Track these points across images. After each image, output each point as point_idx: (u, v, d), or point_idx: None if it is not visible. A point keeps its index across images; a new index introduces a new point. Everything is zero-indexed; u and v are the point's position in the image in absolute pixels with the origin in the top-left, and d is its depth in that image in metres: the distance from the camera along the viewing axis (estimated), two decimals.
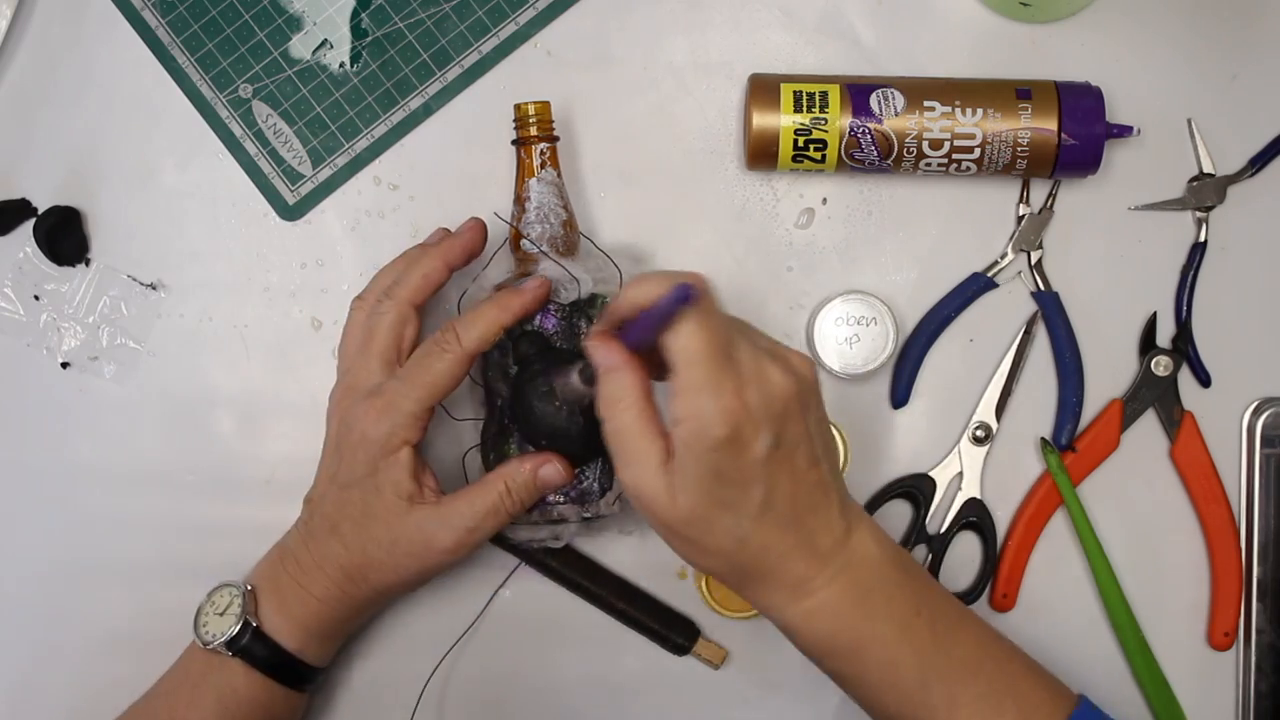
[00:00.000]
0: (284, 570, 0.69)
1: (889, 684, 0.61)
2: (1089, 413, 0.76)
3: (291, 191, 0.78)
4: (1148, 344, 0.76)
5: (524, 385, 0.68)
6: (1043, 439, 0.76)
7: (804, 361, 0.60)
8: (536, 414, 0.67)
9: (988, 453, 0.76)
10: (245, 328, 0.77)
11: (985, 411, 0.76)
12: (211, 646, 0.67)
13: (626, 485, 0.58)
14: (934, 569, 0.76)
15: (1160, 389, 0.76)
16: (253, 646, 0.67)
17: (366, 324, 0.69)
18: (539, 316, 0.70)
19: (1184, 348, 0.76)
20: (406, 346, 0.69)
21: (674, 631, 0.75)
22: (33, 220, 0.77)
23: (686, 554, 0.60)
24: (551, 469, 0.68)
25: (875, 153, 0.73)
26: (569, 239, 0.72)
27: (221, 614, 0.68)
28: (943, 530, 0.76)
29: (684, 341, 0.56)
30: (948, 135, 0.72)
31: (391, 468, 0.67)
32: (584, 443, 0.67)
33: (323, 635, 0.69)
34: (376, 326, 0.69)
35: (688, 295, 0.54)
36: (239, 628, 0.67)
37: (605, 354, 0.59)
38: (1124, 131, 0.74)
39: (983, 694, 0.61)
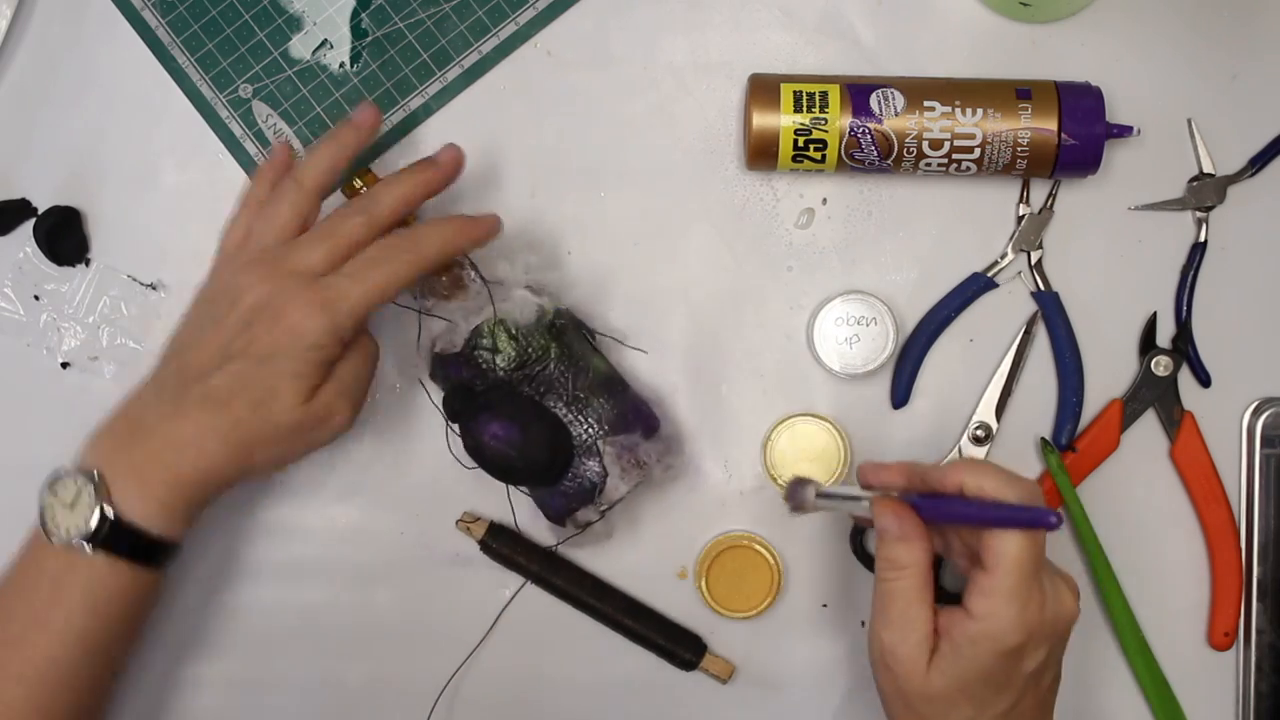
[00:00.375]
0: (141, 446, 0.63)
1: None
2: (1089, 413, 0.76)
3: None
4: (1148, 344, 0.76)
5: (468, 438, 0.70)
6: (1043, 439, 0.76)
7: (1076, 586, 0.64)
8: (490, 460, 0.70)
9: (988, 453, 0.76)
10: None
11: (985, 411, 0.76)
12: (66, 543, 0.61)
13: (880, 643, 0.61)
14: (935, 568, 0.76)
15: (1160, 389, 0.76)
16: (114, 538, 0.61)
17: (297, 204, 0.67)
18: (451, 369, 0.70)
19: (1184, 348, 0.76)
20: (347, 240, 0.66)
21: (681, 647, 0.75)
22: (33, 220, 0.77)
23: None
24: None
25: (875, 153, 0.73)
26: (453, 278, 0.71)
27: (71, 507, 0.62)
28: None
29: (1013, 548, 0.59)
30: (948, 135, 0.72)
31: (308, 369, 0.63)
32: (545, 466, 0.70)
33: (189, 512, 0.64)
34: (327, 216, 0.67)
35: (1054, 525, 0.58)
36: (96, 520, 0.61)
37: (900, 525, 0.61)
38: (1124, 131, 0.74)
39: None
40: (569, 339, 0.72)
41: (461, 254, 0.69)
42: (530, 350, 0.70)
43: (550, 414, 0.70)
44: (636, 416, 0.72)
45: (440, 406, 0.72)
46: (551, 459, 0.69)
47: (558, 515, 0.71)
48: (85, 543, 0.61)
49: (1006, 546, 0.59)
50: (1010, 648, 0.59)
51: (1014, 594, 0.59)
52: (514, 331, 0.70)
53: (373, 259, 0.65)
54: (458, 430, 0.71)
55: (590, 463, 0.70)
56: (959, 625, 0.59)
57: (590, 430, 0.70)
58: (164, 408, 0.64)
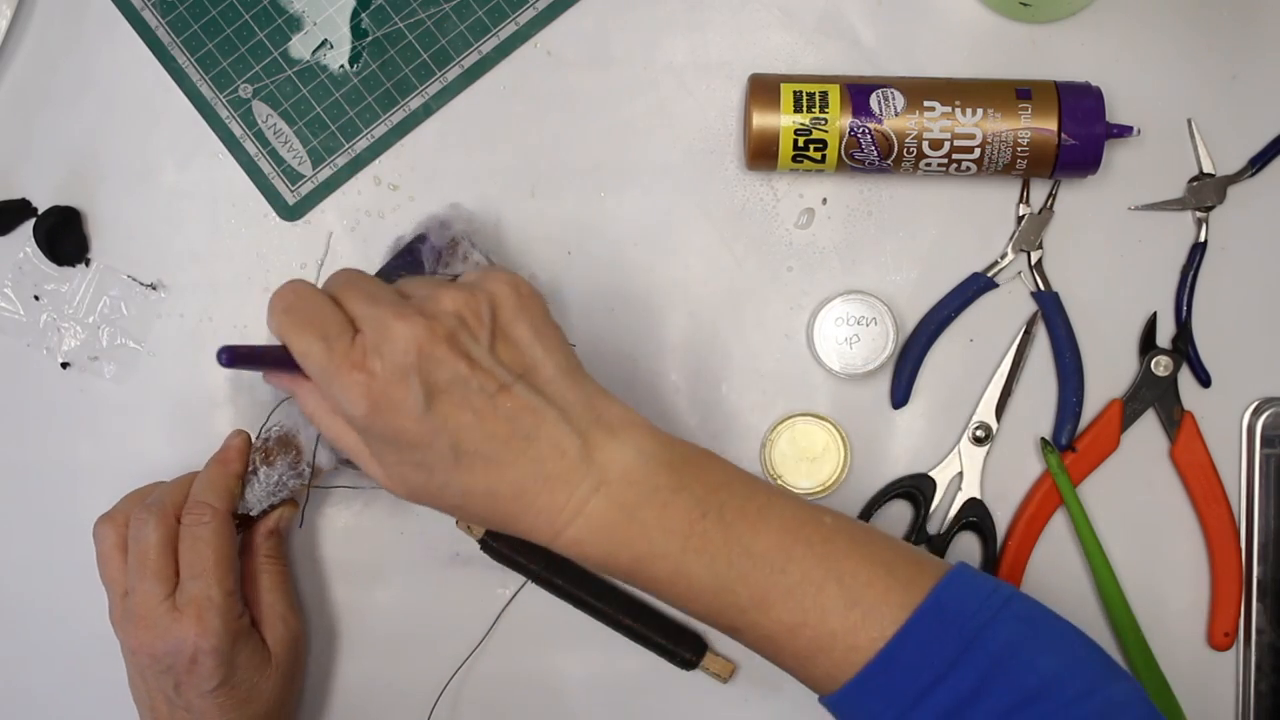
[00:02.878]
0: None
1: (687, 594, 0.57)
2: (1089, 413, 0.76)
3: (291, 191, 0.78)
4: (1148, 344, 0.76)
5: None
6: (1043, 439, 0.76)
7: (452, 294, 0.56)
8: None
9: (988, 453, 0.76)
10: (245, 328, 0.77)
11: (985, 411, 0.76)
12: None
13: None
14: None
15: (1160, 389, 0.76)
16: None
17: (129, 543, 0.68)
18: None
19: (1184, 348, 0.76)
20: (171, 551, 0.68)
21: (681, 647, 0.75)
22: (33, 220, 0.77)
23: (441, 511, 0.60)
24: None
25: (875, 153, 0.73)
26: (278, 446, 0.71)
27: None
28: (943, 530, 0.76)
29: (283, 338, 0.57)
30: (948, 135, 0.72)
31: (243, 652, 0.67)
32: None
33: None
34: (145, 542, 0.68)
35: (225, 359, 0.58)
36: None
37: (276, 383, 0.62)
38: (1124, 131, 0.74)
39: (796, 584, 0.56)
40: None
41: (237, 479, 0.70)
42: None
43: None
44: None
45: None
46: None
47: None
48: None
49: (282, 336, 0.58)
50: (364, 415, 0.55)
51: (319, 375, 0.56)
52: None
53: (192, 548, 0.67)
54: None
55: None
56: (335, 430, 0.59)
57: None
58: None
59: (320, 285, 0.59)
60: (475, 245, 0.71)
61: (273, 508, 0.71)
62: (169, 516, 0.68)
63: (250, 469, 0.71)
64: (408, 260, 0.71)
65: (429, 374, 0.55)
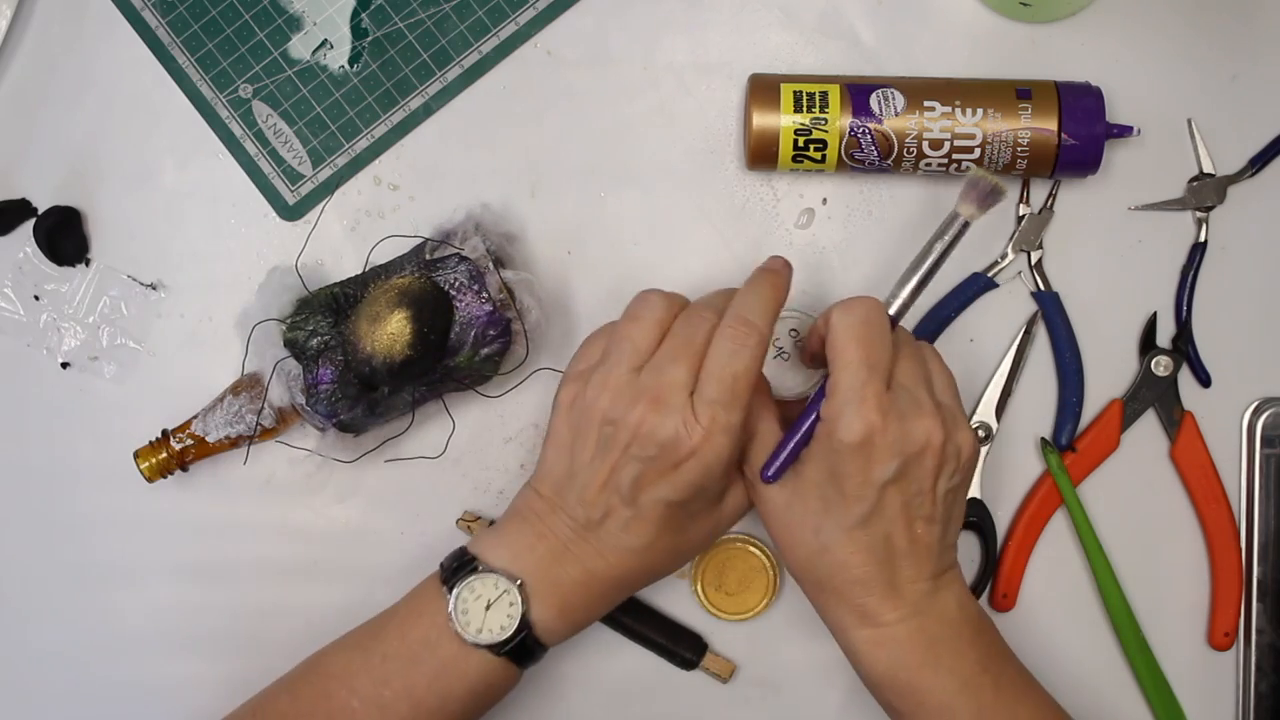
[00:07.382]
0: (566, 572, 0.65)
1: None
2: (1089, 413, 0.76)
3: (291, 191, 0.78)
4: (1148, 344, 0.76)
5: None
6: (1043, 439, 0.76)
7: (968, 438, 0.64)
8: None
9: (988, 453, 0.76)
10: (245, 328, 0.77)
11: (985, 411, 0.76)
12: (474, 642, 0.63)
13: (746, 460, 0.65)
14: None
15: (1160, 389, 0.76)
16: (522, 649, 0.64)
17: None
18: (322, 375, 0.71)
19: (1184, 348, 0.76)
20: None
21: (681, 647, 0.75)
22: (33, 220, 0.77)
23: (774, 536, 0.66)
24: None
25: (875, 153, 0.73)
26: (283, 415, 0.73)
27: (487, 608, 0.64)
28: None
29: (840, 348, 0.62)
30: (948, 135, 0.72)
31: (714, 487, 0.65)
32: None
33: (581, 629, 0.68)
34: (696, 335, 0.64)
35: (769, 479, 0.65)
36: (513, 631, 0.64)
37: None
38: (1124, 131, 0.74)
39: None
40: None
41: (780, 304, 0.66)
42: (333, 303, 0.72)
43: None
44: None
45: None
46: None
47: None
48: (490, 646, 0.64)
49: (834, 348, 0.62)
50: (849, 443, 0.60)
51: (851, 390, 0.61)
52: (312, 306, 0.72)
53: (727, 365, 0.63)
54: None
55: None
56: (816, 434, 0.62)
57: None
58: (585, 546, 0.65)
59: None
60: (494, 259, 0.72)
61: (229, 440, 0.72)
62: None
63: (220, 398, 0.72)
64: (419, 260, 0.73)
65: (911, 467, 0.61)
